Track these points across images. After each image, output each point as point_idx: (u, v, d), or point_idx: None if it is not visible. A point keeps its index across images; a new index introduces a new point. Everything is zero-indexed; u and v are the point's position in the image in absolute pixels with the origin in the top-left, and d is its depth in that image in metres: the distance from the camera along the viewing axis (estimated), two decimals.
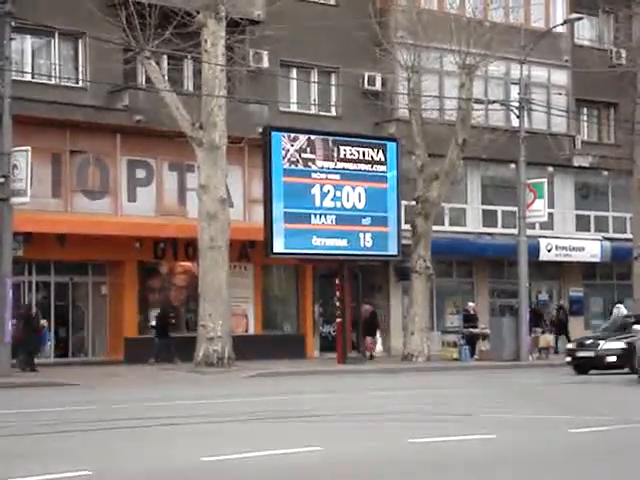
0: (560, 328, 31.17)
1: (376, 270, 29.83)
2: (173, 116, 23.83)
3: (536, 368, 26.42)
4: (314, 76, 29.66)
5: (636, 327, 22.23)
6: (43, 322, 24.29)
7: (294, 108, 29.20)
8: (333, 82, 29.84)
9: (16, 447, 10.48)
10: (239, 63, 25.80)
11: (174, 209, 27.12)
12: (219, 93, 23.88)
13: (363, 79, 29.38)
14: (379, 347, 28.41)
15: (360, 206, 26.20)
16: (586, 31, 35.09)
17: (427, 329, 27.66)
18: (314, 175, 25.58)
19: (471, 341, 28.39)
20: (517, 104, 28.99)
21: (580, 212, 34.56)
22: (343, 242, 25.89)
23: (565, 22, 31.26)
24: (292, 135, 25.34)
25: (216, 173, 24.04)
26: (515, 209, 29.43)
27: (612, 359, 23.47)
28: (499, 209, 32.59)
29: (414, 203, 27.79)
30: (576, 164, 33.84)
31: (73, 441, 11.05)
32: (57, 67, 25.64)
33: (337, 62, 29.27)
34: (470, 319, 29.34)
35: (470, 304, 29.98)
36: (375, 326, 28.11)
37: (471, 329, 28.70)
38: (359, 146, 26.41)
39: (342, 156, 26.00)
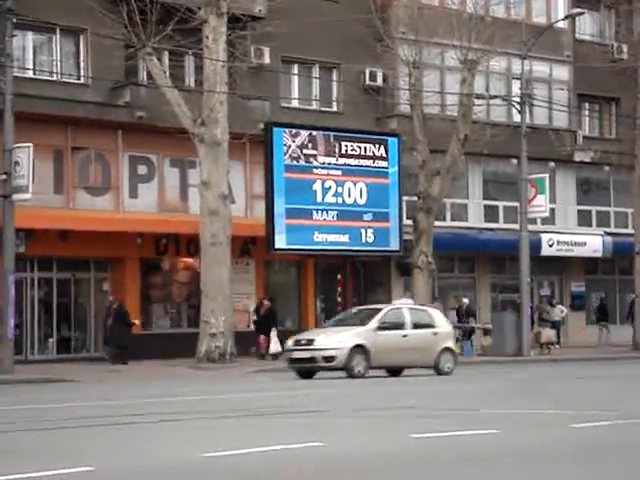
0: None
1: (378, 266, 29.84)
2: (175, 112, 23.83)
3: (538, 363, 26.44)
4: (315, 72, 29.65)
5: None
6: (135, 321, 25.25)
7: (295, 104, 29.20)
8: (334, 78, 29.84)
9: (16, 444, 10.50)
10: (240, 59, 25.80)
11: (176, 205, 27.14)
12: (220, 89, 23.87)
13: (364, 75, 29.37)
14: (276, 346, 25.30)
15: (362, 202, 26.22)
16: (587, 26, 35.07)
17: None
18: (315, 171, 25.61)
19: (467, 336, 28.34)
20: (518, 99, 29.00)
21: (582, 207, 34.56)
22: (345, 238, 25.91)
23: (566, 17, 31.26)
24: (294, 131, 25.33)
25: (217, 169, 24.04)
26: (517, 204, 29.43)
27: None
28: (501, 204, 32.59)
29: (416, 199, 27.80)
30: (577, 159, 33.84)
31: (74, 437, 11.07)
32: (58, 63, 25.65)
33: (338, 58, 29.26)
34: (464, 314, 29.21)
35: (464, 300, 29.83)
36: (272, 323, 25.98)
37: (464, 324, 28.65)
38: (360, 142, 26.43)
39: (343, 152, 26.03)
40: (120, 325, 24.58)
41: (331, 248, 25.83)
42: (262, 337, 25.93)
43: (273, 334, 25.61)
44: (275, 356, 25.29)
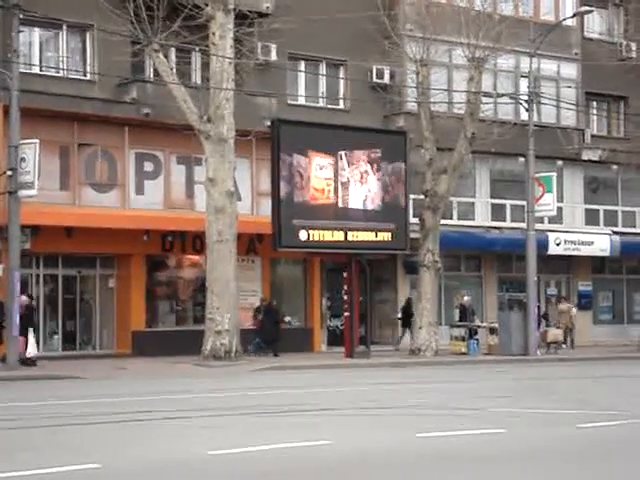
0: None
1: (384, 264, 29.77)
2: (181, 109, 23.77)
3: (544, 362, 26.37)
4: (322, 69, 29.58)
5: None
6: (286, 318, 27.48)
7: (302, 101, 29.13)
8: (341, 75, 29.75)
9: (23, 440, 10.47)
10: (247, 56, 25.72)
11: (182, 202, 27.09)
12: (227, 86, 23.81)
13: (371, 72, 29.29)
14: (33, 349, 22.36)
15: (368, 199, 26.13)
16: (596, 24, 34.92)
17: (435, 323, 27.58)
18: (323, 169, 25.49)
19: (470, 335, 28.23)
20: (526, 97, 28.86)
21: (589, 206, 34.43)
22: (351, 235, 25.82)
23: (575, 15, 31.10)
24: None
25: (224, 166, 23.99)
26: (524, 203, 29.31)
27: None
28: (508, 203, 32.48)
29: (422, 197, 27.70)
30: (585, 158, 33.70)
31: (80, 434, 11.04)
32: (65, 60, 25.60)
33: (345, 55, 29.18)
34: (471, 312, 29.10)
35: (466, 298, 29.68)
36: (30, 323, 22.55)
37: (467, 323, 28.52)
38: (368, 139, 26.32)
39: (351, 149, 25.91)
40: (270, 320, 26.32)
41: (337, 246, 25.74)
42: (22, 339, 22.27)
43: (30, 335, 22.42)
44: (32, 360, 22.23)
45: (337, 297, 28.58)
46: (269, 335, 26.42)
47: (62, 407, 14.02)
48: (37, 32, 25.18)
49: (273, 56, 27.48)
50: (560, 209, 32.03)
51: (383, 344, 29.62)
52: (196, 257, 27.43)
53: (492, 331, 28.73)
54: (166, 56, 24.88)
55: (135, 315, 26.31)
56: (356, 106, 29.11)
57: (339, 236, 25.62)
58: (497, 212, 32.40)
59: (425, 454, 9.45)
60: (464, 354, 27.54)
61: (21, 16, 22.01)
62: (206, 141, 23.92)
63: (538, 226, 29.50)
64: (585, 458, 9.41)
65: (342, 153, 25.78)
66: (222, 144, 23.86)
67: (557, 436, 10.76)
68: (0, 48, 23.01)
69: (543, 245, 30.96)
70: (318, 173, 25.39)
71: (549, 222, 32.18)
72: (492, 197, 32.47)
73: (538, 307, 29.50)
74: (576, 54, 33.37)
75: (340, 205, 25.67)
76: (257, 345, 26.34)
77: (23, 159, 21.77)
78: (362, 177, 26.10)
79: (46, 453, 9.46)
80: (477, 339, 28.28)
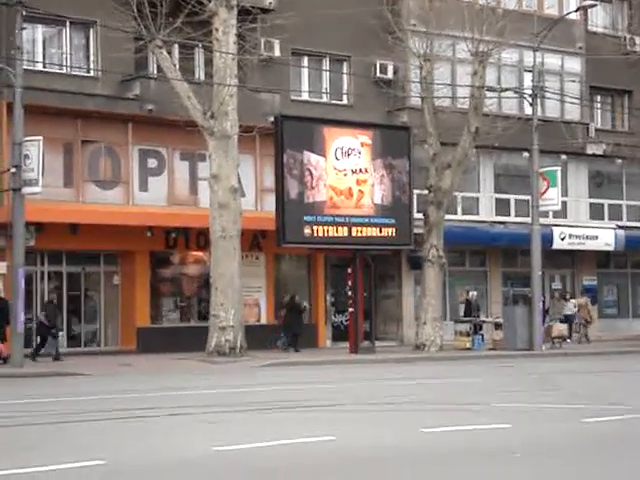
0: None
1: (388, 259, 29.75)
2: (184, 105, 23.76)
3: (549, 357, 26.34)
4: (326, 64, 29.55)
5: None
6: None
7: (306, 97, 29.10)
8: (345, 70, 29.72)
9: (29, 437, 10.48)
10: (250, 52, 25.69)
11: (186, 199, 27.09)
12: (230, 82, 23.79)
13: (375, 67, 29.26)
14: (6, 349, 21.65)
15: (372, 195, 26.10)
16: (600, 18, 34.84)
17: (439, 318, 27.56)
18: (326, 164, 25.48)
19: (475, 330, 28.18)
20: (530, 92, 28.81)
21: (594, 200, 34.37)
22: (355, 231, 25.80)
23: (578, 9, 31.03)
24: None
25: (227, 162, 23.98)
26: (528, 197, 29.28)
27: None
28: (512, 198, 32.45)
29: (427, 192, 27.67)
30: (590, 152, 33.64)
31: (85, 431, 11.04)
32: (68, 56, 25.60)
33: (349, 50, 29.14)
34: (475, 308, 29.05)
35: (471, 293, 29.62)
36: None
37: (471, 318, 28.47)
38: (371, 135, 26.29)
39: (354, 145, 25.88)
40: (293, 315, 26.61)
41: (341, 241, 25.72)
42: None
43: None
44: (4, 360, 21.93)
45: (341, 293, 28.57)
46: (293, 330, 26.58)
47: (66, 404, 14.04)
48: (40, 29, 25.19)
49: (276, 52, 27.45)
50: (564, 203, 32.00)
51: (388, 340, 29.63)
52: (200, 253, 27.43)
53: (497, 326, 28.71)
54: (169, 52, 24.87)
55: (139, 311, 26.33)
56: (359, 101, 29.08)
57: (343, 232, 25.61)
58: (501, 207, 32.36)
59: (429, 449, 9.44)
60: (469, 349, 27.53)
61: (24, 13, 22.00)
62: (210, 137, 23.91)
63: (542, 221, 29.46)
64: (590, 452, 9.40)
65: (345, 148, 25.72)
66: (226, 140, 23.84)
67: (562, 431, 10.74)
68: (3, 45, 23.06)
69: (548, 240, 30.91)
70: (321, 169, 25.35)
71: (554, 217, 32.11)
72: (496, 192, 32.43)
73: (543, 302, 29.47)
74: (580, 48, 33.31)
75: (344, 201, 25.63)
76: (284, 340, 26.60)
77: (27, 156, 21.76)
78: (366, 173, 26.05)
79: (50, 450, 9.47)
80: (482, 334, 28.26)
